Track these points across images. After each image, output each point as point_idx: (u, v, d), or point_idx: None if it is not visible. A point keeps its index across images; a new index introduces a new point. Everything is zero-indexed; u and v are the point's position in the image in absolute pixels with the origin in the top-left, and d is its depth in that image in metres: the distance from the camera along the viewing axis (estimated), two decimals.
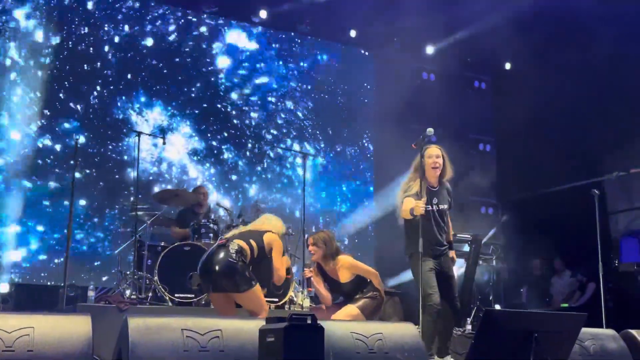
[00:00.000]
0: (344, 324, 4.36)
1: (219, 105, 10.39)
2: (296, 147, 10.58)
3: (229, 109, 10.44)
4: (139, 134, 7.33)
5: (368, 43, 11.34)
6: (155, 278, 6.92)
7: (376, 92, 11.49)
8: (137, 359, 3.52)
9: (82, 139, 9.01)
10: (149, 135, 8.70)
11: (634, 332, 5.14)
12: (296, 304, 7.27)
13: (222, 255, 5.24)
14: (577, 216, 9.71)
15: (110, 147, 9.52)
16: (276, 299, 7.29)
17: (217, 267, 5.21)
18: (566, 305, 10.08)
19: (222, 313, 5.34)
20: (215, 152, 10.26)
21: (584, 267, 9.95)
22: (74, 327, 3.55)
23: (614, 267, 10.53)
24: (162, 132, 9.42)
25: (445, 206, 5.73)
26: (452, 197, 5.86)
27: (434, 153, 5.73)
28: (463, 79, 11.93)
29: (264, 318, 3.71)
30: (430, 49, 11.24)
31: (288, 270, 6.41)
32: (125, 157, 9.54)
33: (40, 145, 9.09)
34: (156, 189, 9.22)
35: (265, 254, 5.49)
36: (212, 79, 10.39)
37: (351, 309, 5.78)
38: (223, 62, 10.51)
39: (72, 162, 6.99)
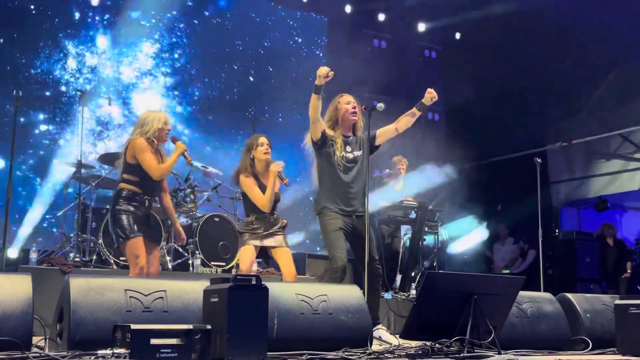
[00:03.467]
0: (289, 285, 4.40)
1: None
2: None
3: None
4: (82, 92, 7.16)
5: (321, 8, 11.26)
6: (100, 241, 6.83)
7: (327, 57, 11.44)
8: (78, 319, 3.48)
9: None
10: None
11: (569, 295, 5.32)
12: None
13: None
14: (520, 185, 9.98)
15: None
16: (223, 263, 7.30)
17: None
18: (507, 271, 10.38)
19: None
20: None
21: (526, 234, 10.23)
22: (13, 286, 3.48)
23: (554, 235, 10.89)
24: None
25: (359, 153, 5.45)
26: (369, 147, 5.54)
27: (352, 100, 5.51)
28: (414, 48, 11.99)
29: (209, 279, 3.71)
30: (382, 16, 11.26)
31: None
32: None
33: None
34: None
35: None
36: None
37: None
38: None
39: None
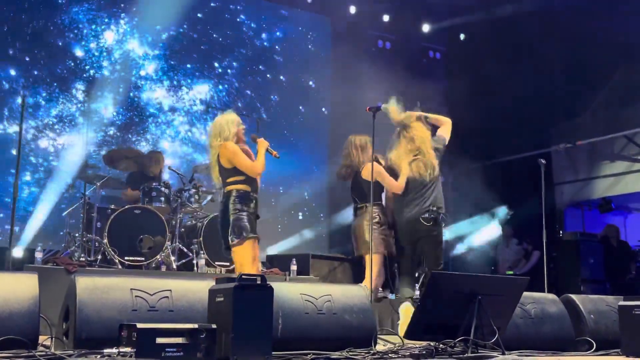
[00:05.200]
0: (294, 286, 4.41)
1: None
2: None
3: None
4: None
5: (325, 9, 11.28)
6: (105, 241, 6.86)
7: (332, 58, 11.45)
8: (85, 318, 3.50)
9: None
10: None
11: (573, 296, 5.32)
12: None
13: None
14: (524, 186, 9.98)
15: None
16: (227, 263, 7.31)
17: None
18: (511, 272, 10.37)
19: None
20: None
21: (530, 236, 10.23)
22: (20, 285, 3.50)
23: (558, 236, 10.88)
24: None
25: None
26: None
27: None
28: (418, 49, 11.99)
29: (215, 279, 3.72)
30: (386, 17, 11.27)
31: None
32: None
33: None
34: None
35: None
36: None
37: None
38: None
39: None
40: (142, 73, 9.94)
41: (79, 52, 9.47)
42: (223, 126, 5.49)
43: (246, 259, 5.32)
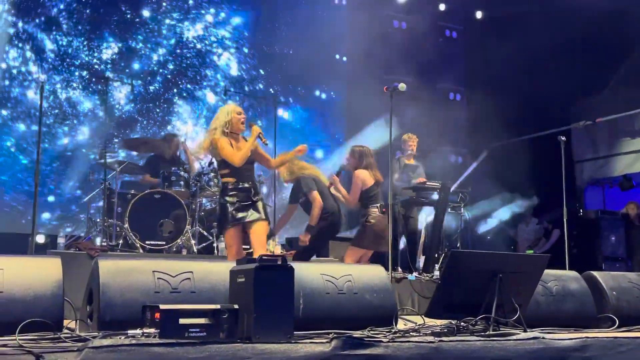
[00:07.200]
0: (314, 266, 4.42)
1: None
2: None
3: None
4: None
5: None
6: (126, 225, 6.91)
7: (347, 40, 11.39)
8: (108, 300, 3.54)
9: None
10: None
11: (595, 273, 5.29)
12: (267, 250, 7.33)
13: None
14: (544, 165, 9.90)
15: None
16: (247, 246, 7.33)
17: None
18: (531, 251, 10.32)
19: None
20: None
21: (550, 214, 10.16)
22: (44, 269, 3.54)
23: (578, 214, 10.81)
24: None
25: None
26: None
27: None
28: (435, 28, 11.89)
29: (234, 260, 3.74)
30: None
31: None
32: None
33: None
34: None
35: None
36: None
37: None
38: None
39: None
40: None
41: None
42: (217, 116, 5.53)
43: (228, 246, 5.53)
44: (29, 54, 9.25)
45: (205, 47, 10.52)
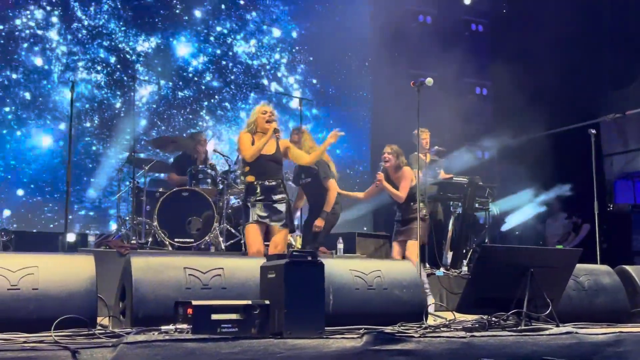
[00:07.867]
0: (343, 262, 4.43)
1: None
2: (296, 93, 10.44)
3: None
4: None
5: None
6: (155, 223, 6.97)
7: (372, 35, 11.34)
8: (140, 297, 3.58)
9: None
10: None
11: (627, 267, 5.22)
12: (293, 247, 7.35)
13: None
14: (572, 158, 9.77)
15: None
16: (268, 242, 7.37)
17: None
18: (561, 246, 10.20)
19: None
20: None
21: (579, 209, 10.04)
22: (77, 266, 3.58)
23: (608, 209, 10.66)
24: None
25: None
26: None
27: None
28: (460, 22, 11.80)
29: (264, 256, 3.76)
30: None
31: None
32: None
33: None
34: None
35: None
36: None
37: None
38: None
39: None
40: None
41: None
42: (250, 116, 5.72)
43: (247, 244, 5.59)
44: (54, 19, 9.00)
45: (256, 68, 10.20)
